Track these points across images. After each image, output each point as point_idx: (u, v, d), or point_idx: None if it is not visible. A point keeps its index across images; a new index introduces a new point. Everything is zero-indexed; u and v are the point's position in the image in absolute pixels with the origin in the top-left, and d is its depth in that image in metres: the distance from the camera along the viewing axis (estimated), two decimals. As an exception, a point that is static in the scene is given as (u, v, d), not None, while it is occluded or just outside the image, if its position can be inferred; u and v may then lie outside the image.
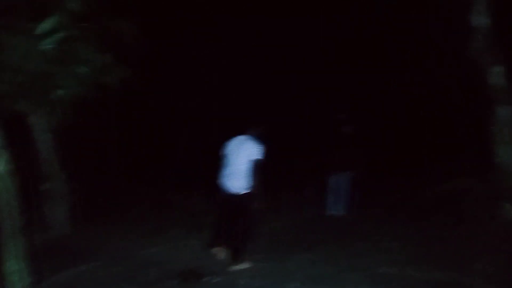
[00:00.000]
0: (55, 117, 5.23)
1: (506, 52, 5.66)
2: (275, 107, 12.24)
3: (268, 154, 4.83)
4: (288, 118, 12.28)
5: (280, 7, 11.00)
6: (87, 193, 8.32)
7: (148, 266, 4.96)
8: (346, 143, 7.27)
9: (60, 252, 5.48)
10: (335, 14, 10.80)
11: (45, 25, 4.27)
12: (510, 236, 5.15)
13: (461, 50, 5.85)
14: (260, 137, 4.93)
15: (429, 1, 7.70)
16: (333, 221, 7.04)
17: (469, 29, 5.73)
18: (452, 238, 5.43)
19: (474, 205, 5.73)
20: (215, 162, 5.17)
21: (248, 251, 4.92)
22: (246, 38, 11.45)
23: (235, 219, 4.86)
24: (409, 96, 10.41)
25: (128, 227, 6.69)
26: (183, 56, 11.72)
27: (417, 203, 7.28)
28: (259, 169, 4.71)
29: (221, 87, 12.66)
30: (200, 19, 10.99)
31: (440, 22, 7.61)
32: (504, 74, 5.59)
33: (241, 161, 4.77)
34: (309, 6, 10.96)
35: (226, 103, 12.37)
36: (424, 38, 8.85)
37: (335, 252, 5.32)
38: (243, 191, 4.77)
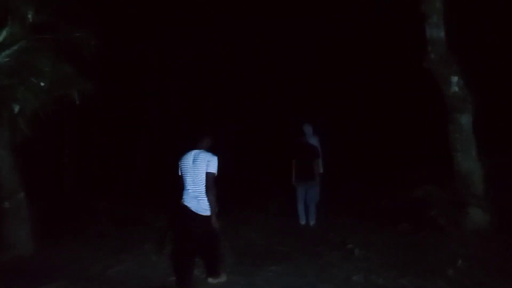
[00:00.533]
0: (13, 132, 5.02)
1: (460, 63, 5.94)
2: (241, 118, 12.33)
3: (230, 166, 4.64)
4: (255, 130, 12.40)
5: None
6: (49, 210, 8.04)
7: (117, 284, 4.82)
8: (312, 154, 7.37)
9: (23, 272, 5.25)
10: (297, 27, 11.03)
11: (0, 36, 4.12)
12: (473, 242, 5.35)
13: (419, 61, 6.08)
14: (212, 149, 4.56)
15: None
16: (304, 231, 7.09)
17: (426, 41, 5.99)
18: (418, 244, 5.59)
19: (438, 212, 5.92)
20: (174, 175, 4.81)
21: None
22: (199, 50, 11.50)
23: (204, 240, 4.51)
24: (372, 108, 10.76)
25: (93, 244, 6.46)
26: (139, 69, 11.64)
27: (383, 211, 7.46)
28: (213, 183, 4.35)
29: (181, 98, 12.61)
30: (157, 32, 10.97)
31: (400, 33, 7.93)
32: (461, 83, 5.85)
33: (198, 179, 4.39)
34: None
35: (186, 114, 12.34)
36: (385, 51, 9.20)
37: (306, 263, 5.35)
38: (208, 212, 4.41)
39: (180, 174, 4.55)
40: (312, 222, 7.33)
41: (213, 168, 4.36)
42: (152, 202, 8.81)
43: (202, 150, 4.49)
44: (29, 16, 4.46)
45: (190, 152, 4.51)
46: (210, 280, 4.69)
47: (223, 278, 4.74)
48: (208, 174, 4.34)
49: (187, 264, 4.50)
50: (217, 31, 11.14)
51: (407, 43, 7.52)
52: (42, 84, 4.10)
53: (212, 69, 11.97)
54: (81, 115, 9.95)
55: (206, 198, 4.37)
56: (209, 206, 4.38)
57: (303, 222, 7.38)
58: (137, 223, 7.51)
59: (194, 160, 4.43)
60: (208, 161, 4.38)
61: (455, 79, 5.89)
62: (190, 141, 4.57)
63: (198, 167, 4.39)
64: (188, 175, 4.44)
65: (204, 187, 4.37)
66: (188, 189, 4.45)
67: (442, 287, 4.33)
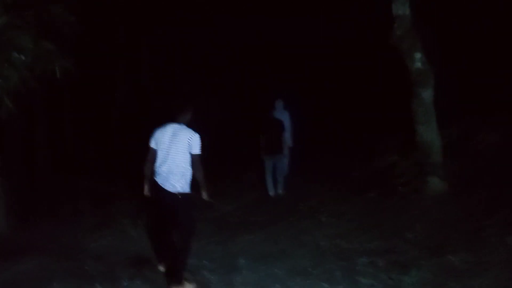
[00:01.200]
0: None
1: (424, 39, 6.21)
2: (209, 94, 12.41)
3: (204, 143, 4.27)
4: (222, 105, 12.52)
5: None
6: (23, 190, 8.05)
7: (100, 258, 4.98)
8: (279, 128, 7.70)
9: (0, 251, 5.31)
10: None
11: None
12: (432, 207, 5.74)
13: (384, 37, 6.32)
14: (191, 125, 4.30)
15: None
16: (276, 202, 7.40)
17: (391, 18, 6.22)
18: (382, 211, 5.93)
19: (401, 180, 6.26)
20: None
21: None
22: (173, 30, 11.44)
23: (173, 224, 4.26)
24: (339, 81, 11.05)
25: (71, 222, 6.58)
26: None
27: (352, 180, 7.82)
28: (200, 163, 4.15)
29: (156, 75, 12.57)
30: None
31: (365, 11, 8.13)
32: (424, 60, 6.14)
33: (178, 156, 4.13)
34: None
35: (161, 90, 12.33)
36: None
37: (278, 231, 5.65)
38: (183, 191, 4.17)
39: (152, 146, 4.26)
40: (280, 192, 7.75)
41: (197, 148, 4.15)
42: (129, 178, 8.90)
43: (182, 125, 4.21)
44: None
45: (168, 125, 4.22)
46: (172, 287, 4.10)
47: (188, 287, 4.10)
48: (194, 156, 4.14)
49: (163, 237, 4.42)
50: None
51: (374, 20, 7.74)
52: (23, 58, 4.06)
53: (187, 44, 11.94)
54: (52, 93, 9.84)
55: (177, 175, 4.14)
56: (178, 183, 4.14)
57: (272, 193, 7.76)
58: (114, 199, 7.63)
59: (173, 135, 4.16)
60: (189, 139, 4.12)
61: (418, 55, 6.14)
62: (169, 113, 4.27)
63: (178, 144, 4.14)
64: (164, 150, 4.17)
65: (181, 164, 4.14)
66: (160, 164, 4.20)
67: (403, 249, 4.66)
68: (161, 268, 4.43)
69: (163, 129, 4.24)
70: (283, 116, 8.07)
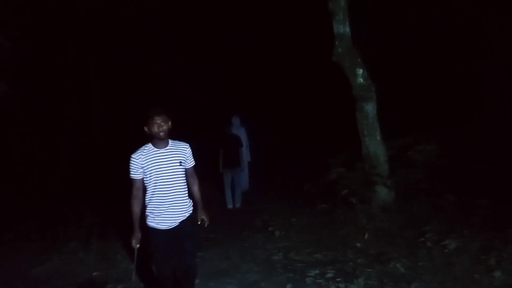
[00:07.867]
0: None
1: (364, 56, 6.53)
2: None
3: None
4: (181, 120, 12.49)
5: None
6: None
7: (44, 282, 4.83)
8: (237, 143, 7.96)
9: None
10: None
11: None
12: (380, 216, 5.97)
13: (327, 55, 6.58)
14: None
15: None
16: (230, 217, 7.45)
17: (333, 36, 6.50)
18: (333, 222, 6.12)
19: (349, 191, 6.46)
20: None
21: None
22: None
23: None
24: (290, 100, 11.38)
25: (15, 246, 6.30)
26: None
27: (305, 194, 7.98)
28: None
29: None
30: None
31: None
32: (366, 75, 6.44)
33: None
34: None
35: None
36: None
37: (231, 247, 5.67)
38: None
39: None
40: (238, 205, 7.99)
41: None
42: (77, 200, 8.65)
43: None
44: None
45: None
46: None
47: None
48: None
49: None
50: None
51: (319, 39, 8.05)
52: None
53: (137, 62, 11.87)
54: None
55: None
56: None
57: (230, 206, 7.96)
58: (61, 222, 7.37)
59: None
60: None
61: (360, 71, 6.45)
62: None
63: None
64: None
65: None
66: None
67: (351, 258, 4.84)
68: None
69: None
70: (240, 132, 8.30)
